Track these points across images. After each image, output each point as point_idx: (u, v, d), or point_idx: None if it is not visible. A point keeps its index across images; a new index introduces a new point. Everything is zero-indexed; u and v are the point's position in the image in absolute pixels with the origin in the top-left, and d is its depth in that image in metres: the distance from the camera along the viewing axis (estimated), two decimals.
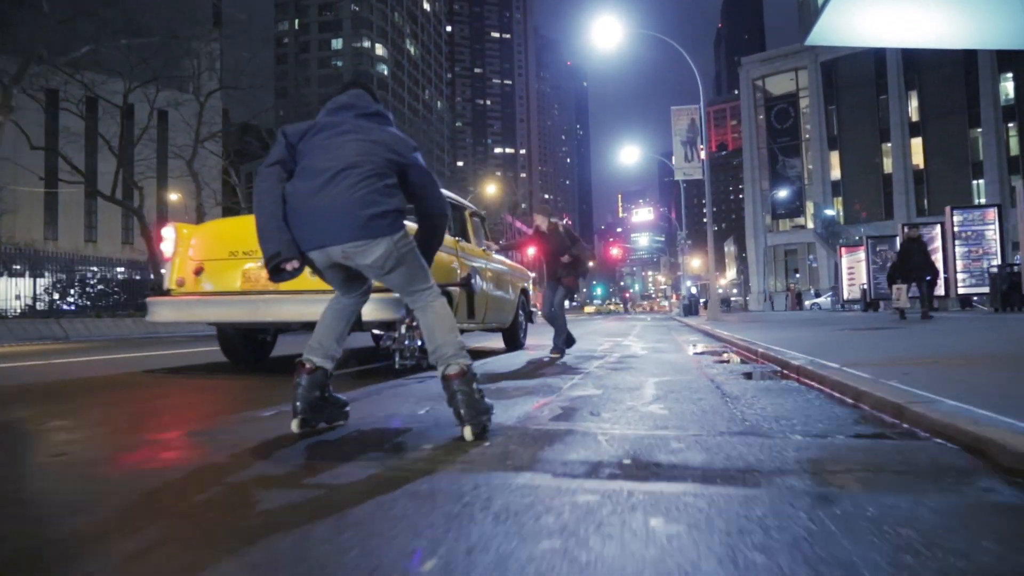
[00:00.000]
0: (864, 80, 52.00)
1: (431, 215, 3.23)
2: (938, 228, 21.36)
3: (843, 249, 27.77)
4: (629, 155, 41.96)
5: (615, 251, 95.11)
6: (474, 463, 2.45)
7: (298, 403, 3.00)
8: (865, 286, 24.51)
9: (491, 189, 61.96)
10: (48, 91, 26.68)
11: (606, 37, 21.35)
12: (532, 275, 11.06)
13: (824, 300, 42.10)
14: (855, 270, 26.08)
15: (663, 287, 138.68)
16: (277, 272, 2.89)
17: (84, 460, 2.63)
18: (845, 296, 26.68)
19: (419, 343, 4.92)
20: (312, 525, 1.76)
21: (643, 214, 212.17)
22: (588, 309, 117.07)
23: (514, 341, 9.79)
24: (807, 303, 44.65)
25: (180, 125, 33.09)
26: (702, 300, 68.16)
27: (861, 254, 25.65)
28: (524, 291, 10.13)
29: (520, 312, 9.95)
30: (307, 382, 3.01)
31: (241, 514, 1.90)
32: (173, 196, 44.66)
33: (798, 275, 56.22)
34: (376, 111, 3.17)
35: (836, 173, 53.57)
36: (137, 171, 28.16)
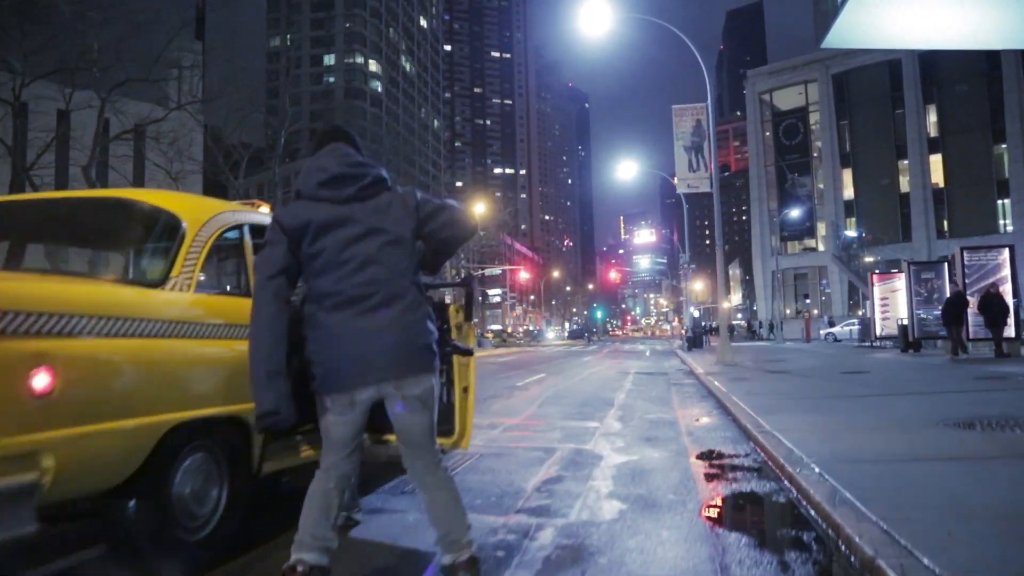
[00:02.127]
0: (879, 93, 48.45)
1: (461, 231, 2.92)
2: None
3: (875, 276, 23.84)
4: (627, 170, 38.52)
5: (613, 275, 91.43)
6: None
7: None
8: (904, 321, 20.59)
9: (484, 208, 58.31)
10: None
11: (594, 23, 17.86)
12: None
13: (840, 330, 38.11)
14: (890, 301, 22.13)
15: (665, 310, 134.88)
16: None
17: None
18: (878, 331, 22.71)
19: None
20: None
21: (644, 235, 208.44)
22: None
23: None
24: (821, 332, 40.68)
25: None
26: (712, 323, 64.47)
27: (898, 282, 21.72)
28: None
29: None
30: None
31: None
32: None
33: (808, 300, 52.37)
34: (373, 178, 2.78)
35: (849, 192, 49.82)
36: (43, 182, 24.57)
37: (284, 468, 3.85)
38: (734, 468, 5.43)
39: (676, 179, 20.33)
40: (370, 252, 2.65)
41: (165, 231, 3.43)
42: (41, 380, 2.41)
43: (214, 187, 39.45)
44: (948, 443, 5.43)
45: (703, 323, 62.74)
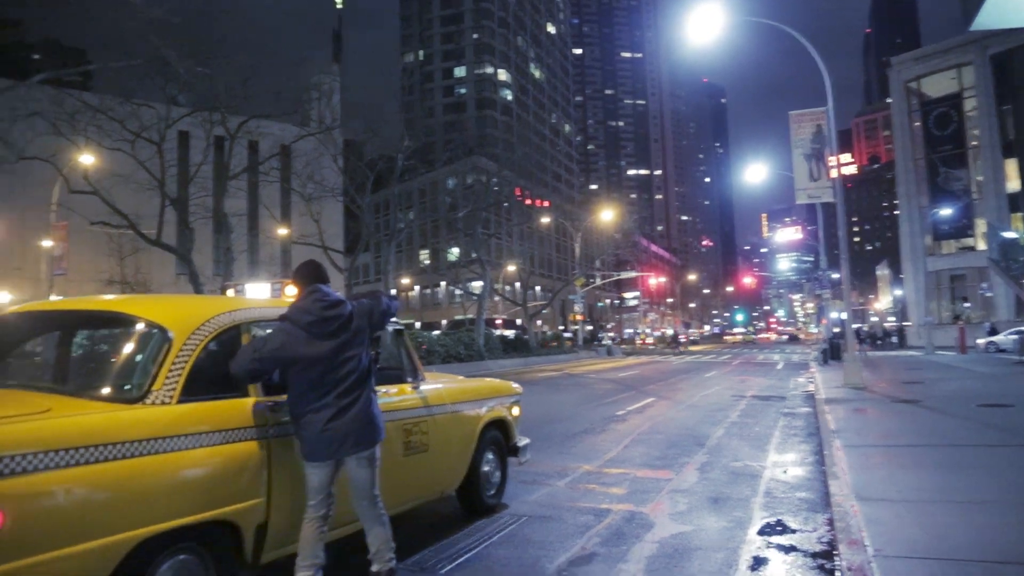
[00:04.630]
0: None
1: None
2: None
3: None
4: (755, 174, 36.91)
5: (748, 280, 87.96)
6: None
7: None
8: None
9: (612, 215, 57.58)
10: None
11: (708, 26, 17.16)
12: (516, 389, 6.82)
13: (1004, 338, 34.67)
14: None
15: (811, 312, 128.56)
16: None
17: None
18: None
19: None
20: None
21: (788, 233, 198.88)
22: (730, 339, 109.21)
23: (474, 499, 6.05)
24: (979, 342, 37.20)
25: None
26: (863, 327, 60.39)
27: None
28: (495, 422, 6.20)
29: (487, 456, 6.12)
30: None
31: None
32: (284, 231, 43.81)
33: (967, 305, 48.07)
34: (345, 318, 3.92)
35: (1014, 184, 45.30)
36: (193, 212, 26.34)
37: (288, 555, 3.85)
38: (792, 552, 4.87)
39: (796, 189, 19.13)
40: (339, 376, 3.85)
41: (150, 344, 3.53)
42: None
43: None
44: None
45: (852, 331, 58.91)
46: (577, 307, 51.15)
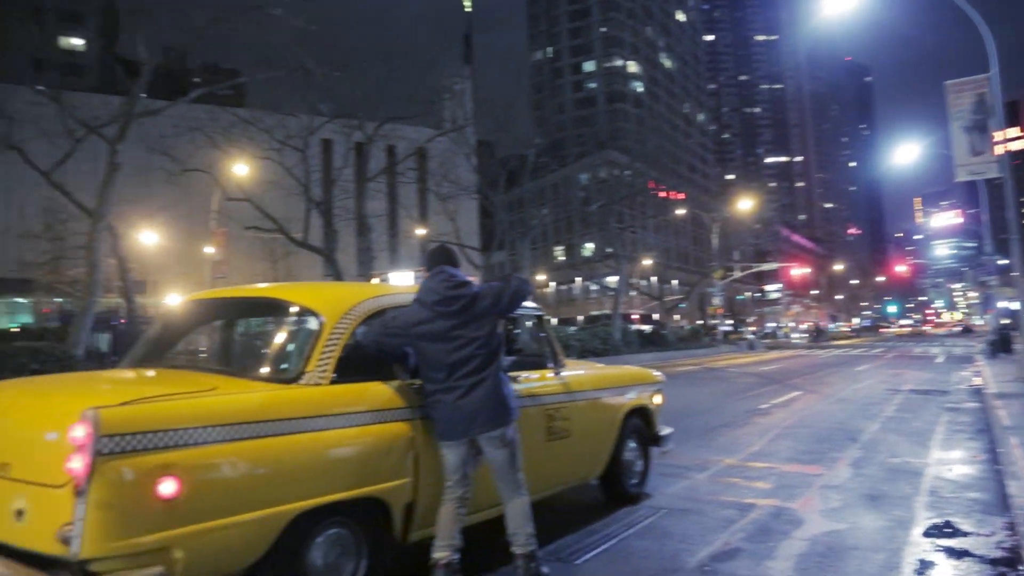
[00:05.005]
0: None
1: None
2: None
3: None
4: (906, 154, 34.46)
5: (901, 268, 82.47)
6: None
7: None
8: None
9: (750, 205, 55.55)
10: None
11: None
12: (658, 377, 6.67)
13: None
14: None
15: (973, 302, 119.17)
16: None
17: None
18: None
19: None
20: None
21: (946, 218, 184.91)
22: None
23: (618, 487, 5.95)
24: None
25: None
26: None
27: None
28: (636, 410, 6.05)
29: (630, 444, 5.98)
30: (445, 573, 3.71)
31: None
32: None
33: None
34: (469, 298, 3.91)
35: None
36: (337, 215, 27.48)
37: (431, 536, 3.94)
38: (966, 557, 4.43)
39: (955, 166, 17.65)
40: (464, 356, 3.84)
41: (303, 327, 3.79)
42: (168, 487, 2.75)
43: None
44: None
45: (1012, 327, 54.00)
46: (716, 300, 49.63)
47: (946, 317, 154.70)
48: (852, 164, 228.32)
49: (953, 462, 7.40)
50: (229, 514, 2.95)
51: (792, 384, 17.73)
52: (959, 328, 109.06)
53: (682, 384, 18.51)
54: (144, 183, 40.25)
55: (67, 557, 2.59)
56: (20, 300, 46.97)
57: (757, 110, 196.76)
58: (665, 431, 6.43)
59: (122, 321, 19.38)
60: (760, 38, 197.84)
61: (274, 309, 4.19)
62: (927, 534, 4.89)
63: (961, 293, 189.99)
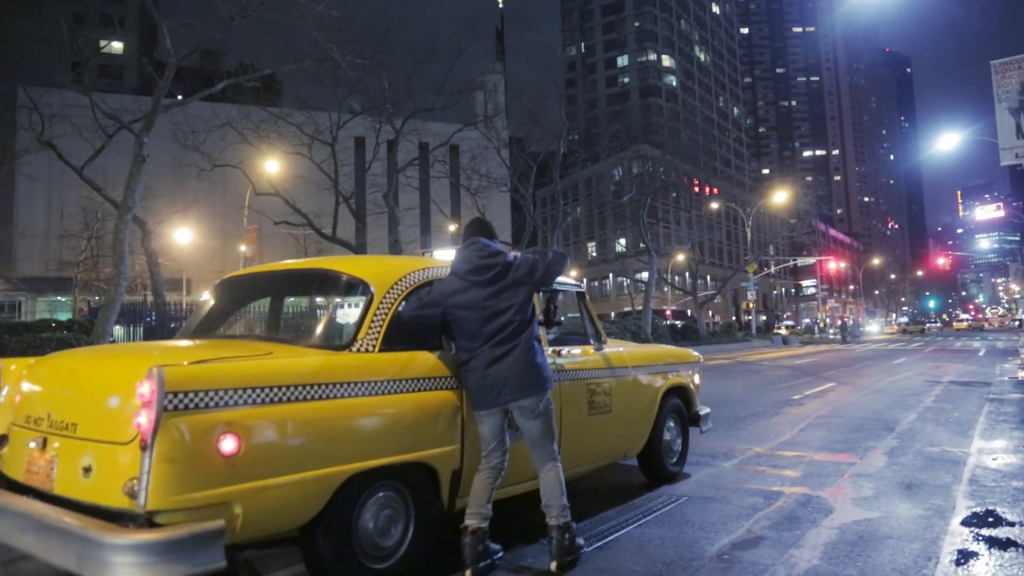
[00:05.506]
0: None
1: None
2: None
3: None
4: (948, 142, 33.54)
5: (941, 260, 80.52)
6: None
7: (467, 559, 3.67)
8: None
9: (785, 197, 54.64)
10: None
11: None
12: (697, 356, 6.72)
13: None
14: None
15: (1017, 296, 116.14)
16: None
17: None
18: None
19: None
20: None
21: (988, 211, 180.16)
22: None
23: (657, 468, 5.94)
24: None
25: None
26: None
27: None
28: (675, 389, 6.06)
29: (669, 423, 6.00)
30: (472, 541, 3.69)
31: None
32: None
33: None
34: (502, 267, 3.92)
35: None
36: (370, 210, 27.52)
37: None
38: (1011, 547, 4.10)
39: (1000, 149, 17.04)
40: (497, 324, 3.84)
41: (353, 297, 3.95)
42: (228, 444, 2.88)
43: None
44: None
45: None
46: (750, 295, 48.73)
47: (988, 313, 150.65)
48: (891, 157, 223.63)
49: (997, 451, 7.01)
50: (286, 473, 3.06)
51: (825, 376, 17.25)
52: (1018, 322, 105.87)
53: (713, 377, 18.09)
54: (177, 180, 40.98)
55: (133, 510, 2.71)
56: (60, 299, 47.97)
57: (793, 103, 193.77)
58: (704, 411, 6.40)
59: (153, 317, 19.47)
60: (797, 30, 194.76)
61: (325, 281, 4.32)
62: (966, 523, 4.57)
63: (1003, 288, 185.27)
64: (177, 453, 2.76)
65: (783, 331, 63.80)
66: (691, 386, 6.29)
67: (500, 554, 3.89)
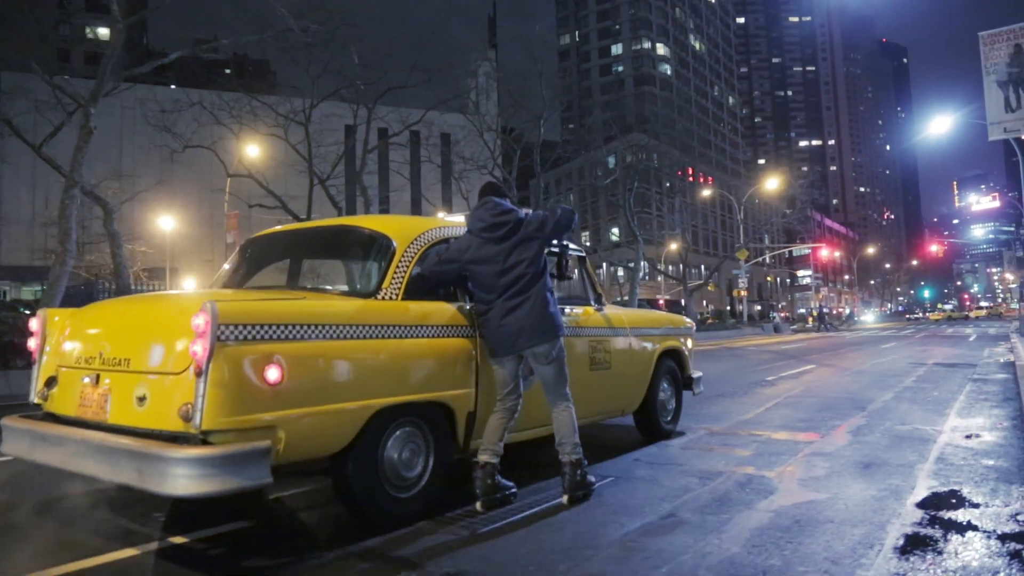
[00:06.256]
0: None
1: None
2: None
3: None
4: (940, 125, 32.83)
5: (934, 248, 79.88)
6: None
7: (478, 491, 3.97)
8: None
9: (777, 184, 53.97)
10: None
11: None
12: (690, 322, 7.08)
13: None
14: None
15: (1012, 286, 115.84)
16: None
17: None
18: None
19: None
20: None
21: (984, 202, 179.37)
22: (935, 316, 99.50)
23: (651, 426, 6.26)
24: None
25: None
26: None
27: None
28: (669, 351, 6.37)
29: (663, 384, 6.29)
30: (482, 474, 3.96)
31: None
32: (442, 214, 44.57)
33: None
34: (513, 224, 4.16)
35: None
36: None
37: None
38: (970, 530, 3.45)
39: (988, 124, 16.38)
40: (511, 278, 4.09)
41: (378, 250, 4.16)
42: (273, 373, 3.13)
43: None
44: None
45: None
46: (741, 282, 48.00)
47: (984, 303, 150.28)
48: (887, 148, 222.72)
49: (972, 429, 6.37)
50: (323, 403, 3.34)
51: (808, 359, 16.61)
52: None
53: (696, 361, 17.46)
54: (156, 164, 40.27)
55: (188, 431, 2.97)
56: (46, 288, 47.26)
57: (789, 93, 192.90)
58: (696, 374, 6.74)
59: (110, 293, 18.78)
60: (793, 19, 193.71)
61: (350, 236, 4.66)
62: (923, 505, 3.92)
63: (998, 279, 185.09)
64: (229, 379, 3.01)
65: (778, 319, 63.35)
66: (684, 350, 6.59)
67: (513, 490, 4.14)
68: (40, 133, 17.99)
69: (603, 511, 3.94)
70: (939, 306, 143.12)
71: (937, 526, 3.53)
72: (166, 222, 46.66)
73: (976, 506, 3.88)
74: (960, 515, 3.70)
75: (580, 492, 4.11)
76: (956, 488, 4.27)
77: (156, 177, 38.03)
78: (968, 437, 6.02)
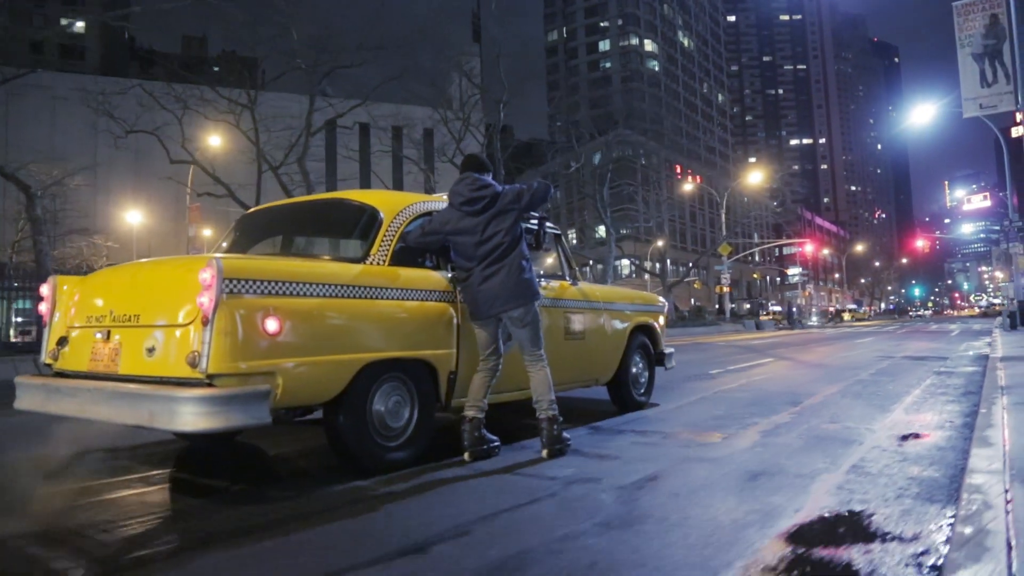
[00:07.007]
0: None
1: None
2: None
3: None
4: (923, 114, 31.79)
5: (920, 243, 79.02)
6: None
7: (465, 442, 4.25)
8: None
9: (761, 178, 52.94)
10: None
11: None
12: (662, 301, 7.23)
13: None
14: None
15: (1002, 284, 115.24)
16: None
17: None
18: None
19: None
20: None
21: (975, 201, 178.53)
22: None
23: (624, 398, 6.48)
24: None
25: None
26: None
27: None
28: (642, 327, 6.63)
29: (635, 358, 6.53)
30: (469, 428, 4.25)
31: None
32: None
33: None
34: (490, 197, 4.41)
35: None
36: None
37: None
38: None
39: (963, 100, 15.24)
40: (489, 247, 4.36)
41: (366, 221, 4.42)
42: (272, 324, 3.43)
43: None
44: None
45: None
46: (724, 278, 46.77)
47: (973, 299, 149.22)
48: (879, 147, 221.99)
49: (917, 429, 5.18)
50: (317, 354, 3.61)
51: (769, 353, 15.45)
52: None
53: None
54: (103, 153, 39.13)
55: (195, 376, 3.25)
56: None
57: (780, 91, 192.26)
58: (668, 350, 6.92)
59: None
60: (784, 18, 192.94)
61: (340, 208, 4.86)
62: (793, 537, 2.71)
63: (988, 277, 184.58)
64: (232, 328, 3.27)
65: (768, 316, 62.43)
66: (657, 326, 6.80)
67: (497, 443, 4.40)
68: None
69: (381, 521, 2.72)
70: (929, 304, 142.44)
71: (795, 572, 2.32)
72: (133, 216, 45.47)
73: (871, 538, 2.67)
74: (839, 554, 2.49)
75: (557, 446, 4.36)
76: (857, 508, 3.07)
77: (91, 162, 37.04)
78: (904, 438, 4.82)
